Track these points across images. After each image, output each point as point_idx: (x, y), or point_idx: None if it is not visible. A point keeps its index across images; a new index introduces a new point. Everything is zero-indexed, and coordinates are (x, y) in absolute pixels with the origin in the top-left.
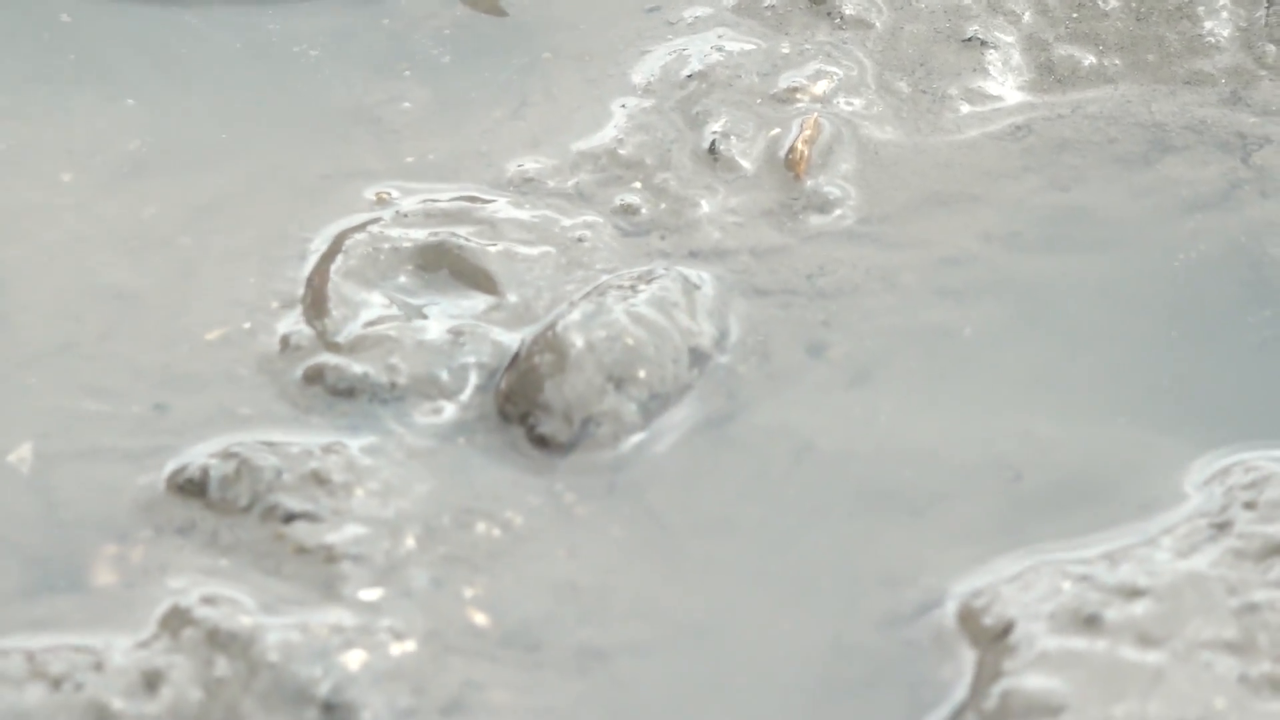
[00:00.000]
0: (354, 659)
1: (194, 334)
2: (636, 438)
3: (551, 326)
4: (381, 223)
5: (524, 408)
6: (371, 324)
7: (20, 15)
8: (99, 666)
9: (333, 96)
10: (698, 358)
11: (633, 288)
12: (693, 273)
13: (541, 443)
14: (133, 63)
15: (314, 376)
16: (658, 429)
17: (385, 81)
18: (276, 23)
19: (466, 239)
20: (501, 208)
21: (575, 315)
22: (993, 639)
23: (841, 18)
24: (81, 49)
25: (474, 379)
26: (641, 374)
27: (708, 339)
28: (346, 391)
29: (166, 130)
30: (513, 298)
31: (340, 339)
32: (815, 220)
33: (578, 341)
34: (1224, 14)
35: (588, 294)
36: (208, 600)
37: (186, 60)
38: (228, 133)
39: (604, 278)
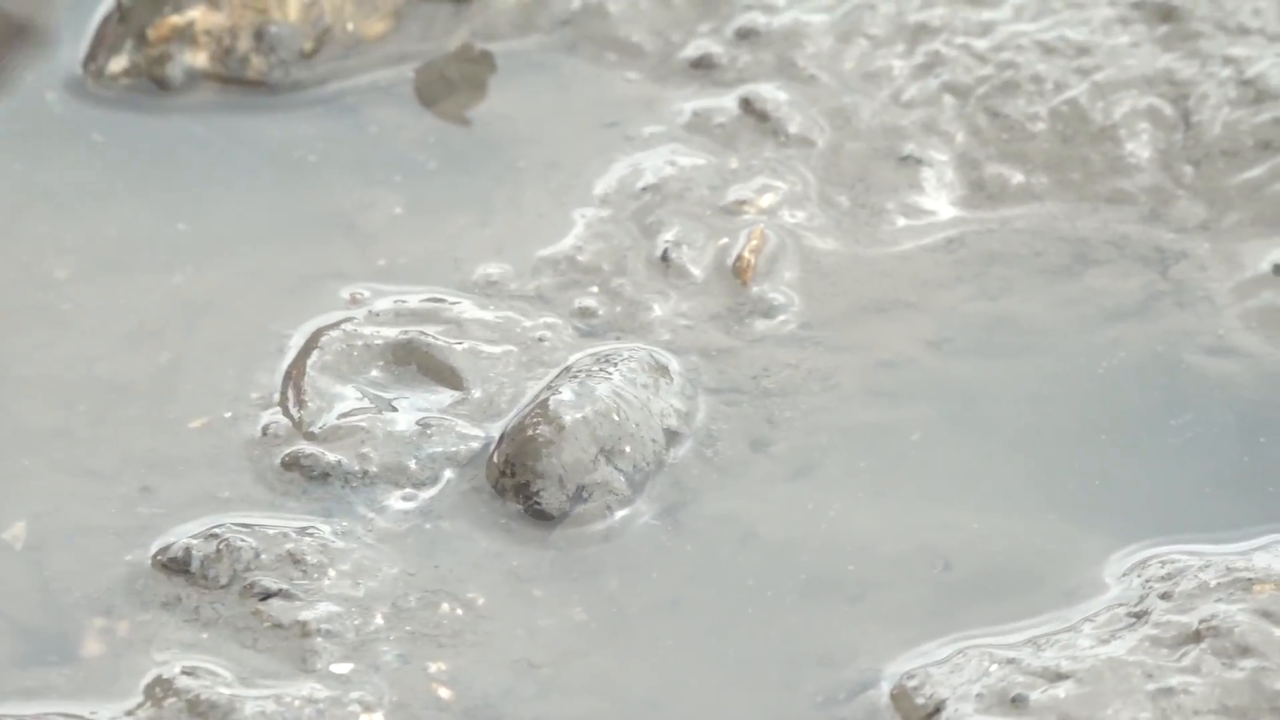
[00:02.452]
0: None
1: (179, 422)
2: (623, 511)
3: (543, 404)
4: (355, 321)
5: (523, 477)
6: (345, 415)
7: (59, 138)
8: None
9: (319, 200)
10: (672, 437)
11: (603, 370)
12: (660, 351)
13: (538, 512)
14: (151, 174)
15: (291, 463)
16: (636, 506)
17: (367, 188)
18: (276, 129)
19: (434, 337)
20: (467, 309)
21: (565, 394)
22: (924, 718)
23: (786, 136)
24: (106, 163)
25: (440, 467)
26: (628, 449)
27: (677, 419)
28: (321, 478)
29: (167, 233)
30: (477, 393)
31: (316, 429)
32: (760, 325)
33: (574, 414)
34: (1144, 136)
35: (560, 374)
36: (189, 672)
37: (198, 168)
38: (220, 234)
39: (572, 358)
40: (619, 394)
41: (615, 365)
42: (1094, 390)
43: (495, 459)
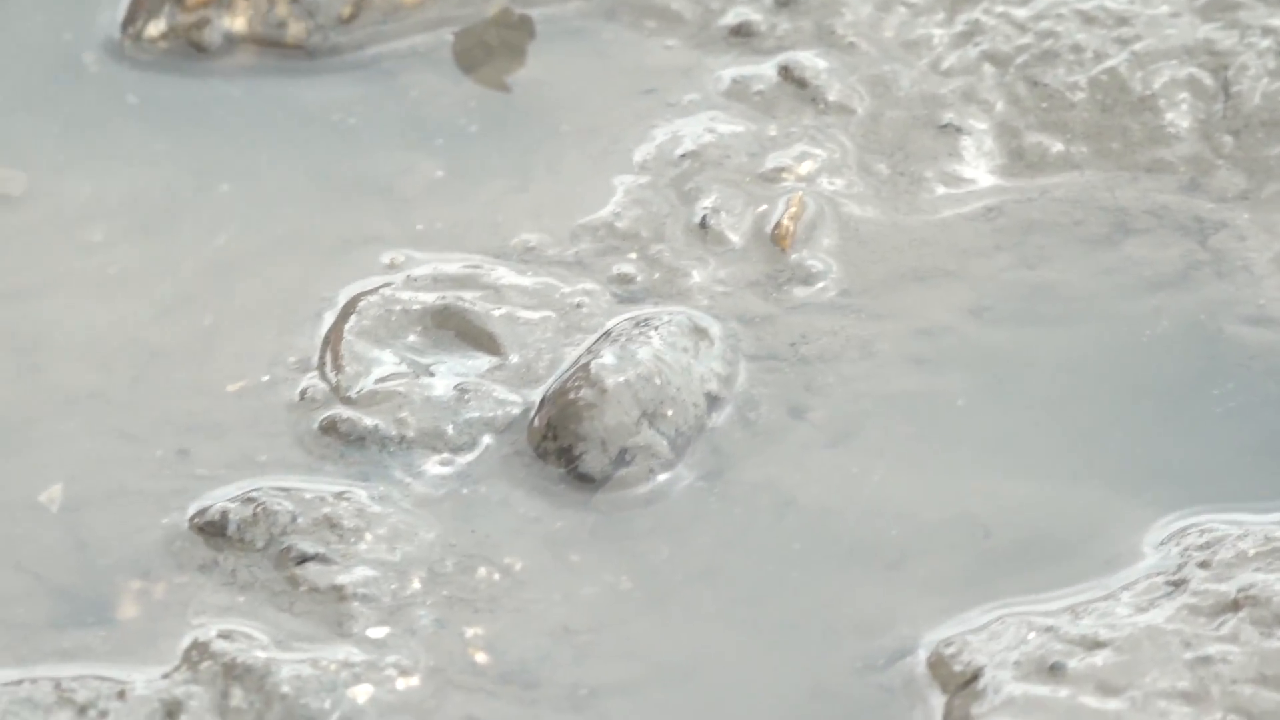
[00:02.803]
0: (362, 693)
1: (216, 385)
2: (665, 475)
3: (584, 367)
4: (393, 286)
5: (565, 440)
6: (382, 380)
7: (96, 100)
8: (122, 695)
9: (359, 164)
10: (713, 402)
11: (643, 333)
12: (700, 315)
13: (580, 475)
14: (189, 137)
15: (328, 428)
16: (678, 470)
17: (407, 152)
18: (315, 94)
19: (472, 303)
20: (505, 274)
21: (607, 358)
22: (961, 685)
23: (825, 103)
24: (145, 125)
25: (478, 433)
26: (670, 412)
27: (718, 383)
28: (358, 442)
29: (208, 196)
30: (515, 359)
31: (353, 393)
32: (799, 292)
33: (616, 377)
34: (1184, 106)
35: (600, 338)
36: (225, 635)
37: (236, 132)
38: (258, 198)
39: (610, 322)
40: (660, 357)
41: (655, 329)
42: (1134, 359)
43: (536, 423)
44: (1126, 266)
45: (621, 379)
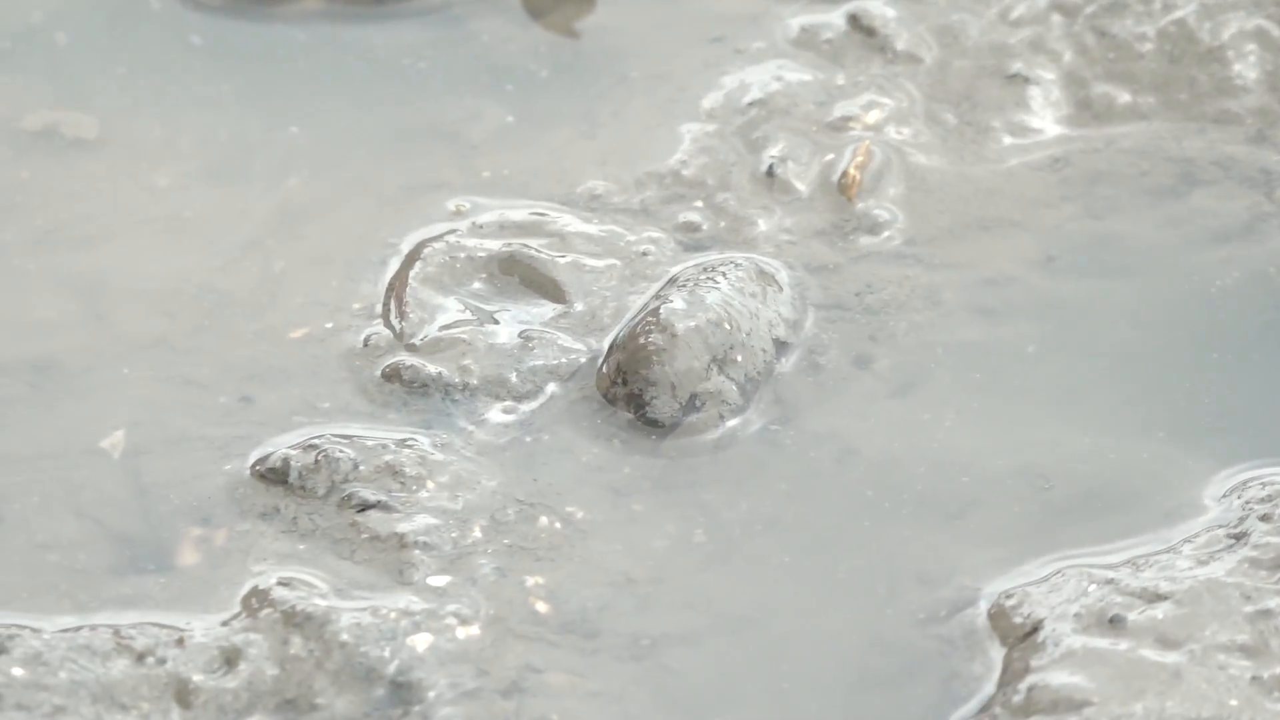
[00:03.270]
0: (421, 641)
1: (279, 332)
2: (734, 421)
3: (654, 312)
4: (459, 233)
5: (635, 385)
6: (447, 327)
7: (160, 40)
8: (181, 642)
9: (428, 108)
10: (781, 347)
11: (711, 279)
12: (766, 260)
13: (649, 421)
14: (254, 80)
15: (391, 375)
16: (747, 416)
17: (477, 97)
18: (383, 38)
19: (537, 250)
20: (571, 222)
21: (677, 302)
22: (1021, 637)
23: (893, 52)
24: (209, 67)
25: (541, 380)
26: (739, 358)
27: (785, 329)
28: (421, 389)
29: (269, 140)
30: (579, 306)
31: (417, 340)
32: (865, 241)
33: (686, 322)
34: (1251, 58)
35: (667, 284)
36: (285, 583)
37: (302, 75)
38: (324, 143)
39: (675, 268)
40: (729, 303)
41: (723, 274)
42: (1198, 311)
43: (605, 368)
44: (1193, 218)
45: (692, 324)
